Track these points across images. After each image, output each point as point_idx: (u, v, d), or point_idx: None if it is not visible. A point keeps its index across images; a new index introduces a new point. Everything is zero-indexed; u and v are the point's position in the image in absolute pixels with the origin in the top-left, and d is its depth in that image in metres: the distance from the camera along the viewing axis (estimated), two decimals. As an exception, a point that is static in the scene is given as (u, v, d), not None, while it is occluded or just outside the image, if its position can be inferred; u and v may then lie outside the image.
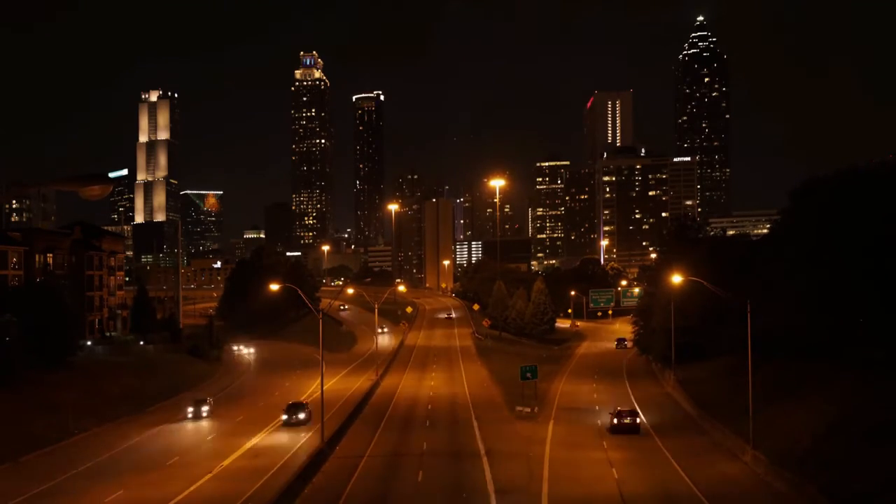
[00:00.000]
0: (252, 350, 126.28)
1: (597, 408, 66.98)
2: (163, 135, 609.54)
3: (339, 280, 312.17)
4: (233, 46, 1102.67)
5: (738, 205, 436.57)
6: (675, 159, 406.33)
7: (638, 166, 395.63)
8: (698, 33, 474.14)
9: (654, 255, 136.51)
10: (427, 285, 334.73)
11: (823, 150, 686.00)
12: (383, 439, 55.61)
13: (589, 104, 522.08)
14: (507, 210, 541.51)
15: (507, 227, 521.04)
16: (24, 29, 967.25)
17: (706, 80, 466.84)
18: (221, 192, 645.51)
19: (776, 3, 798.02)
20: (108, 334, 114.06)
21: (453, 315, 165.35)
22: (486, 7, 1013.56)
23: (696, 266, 65.71)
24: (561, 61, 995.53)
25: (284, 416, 61.63)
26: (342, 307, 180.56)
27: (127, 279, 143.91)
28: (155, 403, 75.32)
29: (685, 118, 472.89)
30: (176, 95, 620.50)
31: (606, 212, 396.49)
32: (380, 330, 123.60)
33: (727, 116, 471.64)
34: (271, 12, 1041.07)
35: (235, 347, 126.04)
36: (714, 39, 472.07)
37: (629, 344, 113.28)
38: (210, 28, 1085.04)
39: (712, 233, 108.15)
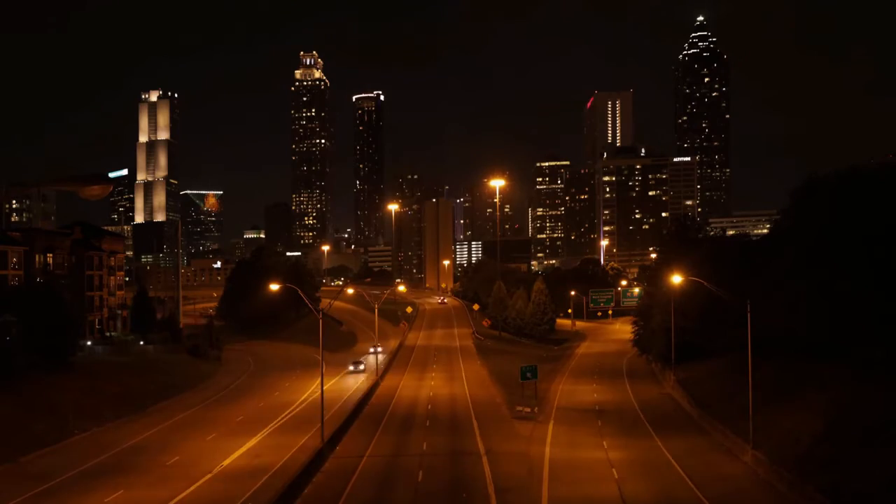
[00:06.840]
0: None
1: (597, 408, 67.08)
2: (163, 135, 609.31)
3: (339, 280, 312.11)
4: (233, 46, 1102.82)
5: (738, 205, 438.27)
6: (675, 159, 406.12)
7: (638, 166, 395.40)
8: (698, 33, 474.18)
9: (654, 255, 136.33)
10: (427, 285, 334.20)
11: (823, 150, 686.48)
12: (383, 439, 55.59)
13: (589, 104, 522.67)
14: (507, 210, 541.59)
15: (507, 227, 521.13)
16: (25, 29, 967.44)
17: (706, 80, 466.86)
18: (221, 192, 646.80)
19: (776, 3, 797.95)
20: (108, 334, 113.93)
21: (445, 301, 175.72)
22: (486, 7, 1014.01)
23: (696, 266, 65.70)
24: (561, 61, 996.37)
25: None
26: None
27: (127, 279, 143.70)
28: (155, 403, 75.33)
29: (685, 118, 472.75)
30: (176, 95, 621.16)
31: (606, 212, 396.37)
32: (371, 349, 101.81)
33: (727, 116, 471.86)
34: (272, 12, 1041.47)
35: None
36: (714, 39, 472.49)
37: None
38: (210, 28, 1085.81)
39: (712, 233, 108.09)
